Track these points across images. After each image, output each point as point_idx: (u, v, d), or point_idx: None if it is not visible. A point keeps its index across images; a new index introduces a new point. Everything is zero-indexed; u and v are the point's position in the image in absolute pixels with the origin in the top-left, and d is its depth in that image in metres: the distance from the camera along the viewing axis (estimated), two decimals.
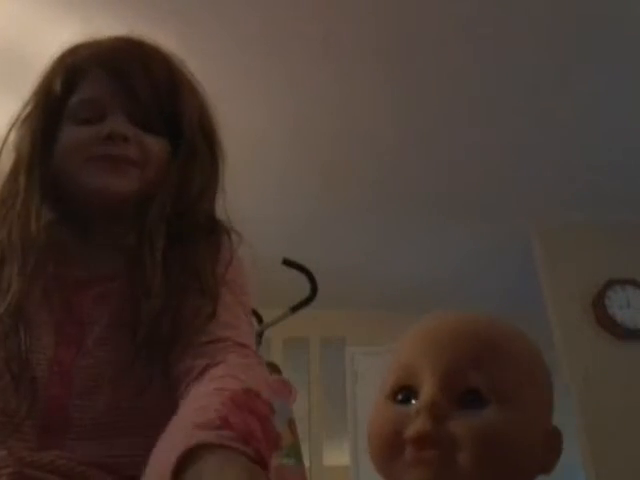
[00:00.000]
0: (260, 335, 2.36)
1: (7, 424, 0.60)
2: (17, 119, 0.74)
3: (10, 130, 0.74)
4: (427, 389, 0.42)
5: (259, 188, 2.84)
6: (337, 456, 4.79)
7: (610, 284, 3.05)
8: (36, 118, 0.73)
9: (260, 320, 2.41)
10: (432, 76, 2.46)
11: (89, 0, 2.11)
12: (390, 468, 0.43)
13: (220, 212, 0.78)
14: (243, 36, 2.26)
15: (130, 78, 0.71)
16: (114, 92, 0.71)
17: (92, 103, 0.71)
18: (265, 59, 2.36)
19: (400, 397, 0.44)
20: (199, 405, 0.52)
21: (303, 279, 2.35)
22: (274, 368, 2.44)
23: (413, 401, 0.43)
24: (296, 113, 2.63)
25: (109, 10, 2.12)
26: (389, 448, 0.43)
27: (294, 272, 2.35)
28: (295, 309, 2.35)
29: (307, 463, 3.28)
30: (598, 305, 3.02)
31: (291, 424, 2.13)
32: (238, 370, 0.59)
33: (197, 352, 0.63)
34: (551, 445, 0.45)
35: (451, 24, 2.22)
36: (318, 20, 2.21)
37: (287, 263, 2.31)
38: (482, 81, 2.48)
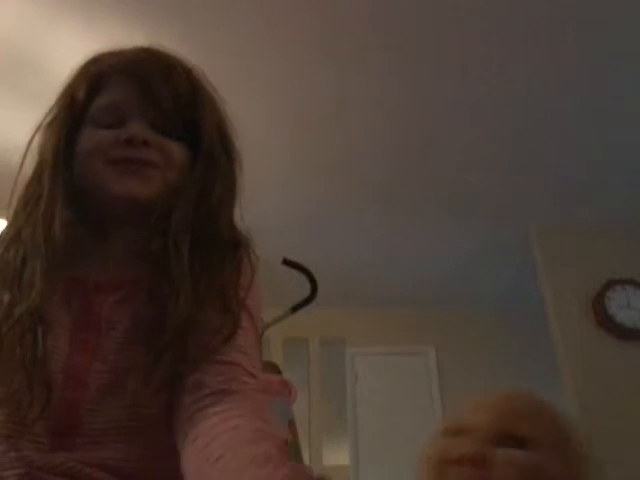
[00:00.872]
0: (260, 335, 2.36)
1: (19, 425, 0.60)
2: (40, 125, 0.75)
3: (34, 136, 0.75)
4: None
5: (259, 188, 2.84)
6: (337, 456, 4.79)
7: (610, 284, 3.05)
8: (59, 124, 0.73)
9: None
10: (434, 76, 2.46)
11: (90, 1, 2.10)
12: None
13: (237, 222, 0.79)
14: (244, 37, 2.26)
15: (151, 85, 0.72)
16: (135, 98, 0.72)
17: (113, 108, 0.72)
18: (266, 59, 2.36)
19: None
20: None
21: (303, 279, 2.36)
22: (274, 368, 2.43)
23: None
24: (297, 113, 2.63)
25: (111, 10, 2.13)
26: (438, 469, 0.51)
27: (294, 272, 2.35)
28: (295, 309, 2.35)
29: (307, 463, 3.28)
30: (598, 305, 3.02)
31: (291, 424, 2.13)
32: (257, 413, 0.61)
33: (210, 369, 0.63)
34: None
35: (452, 23, 2.22)
36: (319, 21, 2.21)
37: (287, 263, 2.31)
38: (482, 81, 2.48)
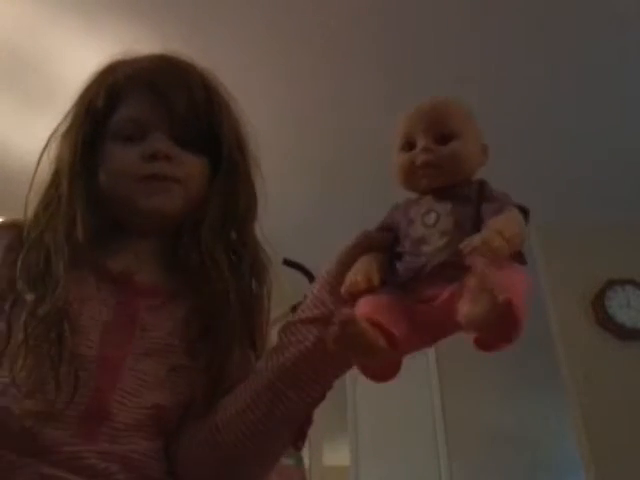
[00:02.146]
0: None
1: (45, 414, 0.61)
2: (55, 132, 0.77)
3: (48, 142, 0.77)
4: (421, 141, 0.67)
5: (259, 188, 2.83)
6: (337, 456, 4.80)
7: (610, 284, 3.05)
8: (77, 131, 0.75)
9: None
10: (433, 75, 2.46)
11: (90, 1, 2.10)
12: (411, 185, 0.70)
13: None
14: (244, 37, 2.26)
15: (170, 98, 0.74)
16: (156, 112, 0.74)
17: (135, 122, 0.74)
18: (265, 60, 2.36)
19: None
20: None
21: (303, 279, 2.35)
22: None
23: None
24: (296, 113, 2.63)
25: (110, 11, 2.13)
26: (407, 173, 0.69)
27: (294, 272, 2.35)
28: (295, 309, 2.35)
29: (307, 463, 3.28)
30: (598, 305, 3.02)
31: None
32: None
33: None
34: (485, 155, 0.70)
35: (452, 22, 2.22)
36: (319, 21, 2.21)
37: (287, 263, 2.31)
38: (481, 80, 2.48)
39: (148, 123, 0.74)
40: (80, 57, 2.26)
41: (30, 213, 0.73)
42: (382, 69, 2.42)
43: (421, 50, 2.34)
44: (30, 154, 2.73)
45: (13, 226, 0.73)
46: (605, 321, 2.98)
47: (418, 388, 3.96)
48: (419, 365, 4.07)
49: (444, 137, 0.66)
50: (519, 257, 0.57)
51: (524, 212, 0.61)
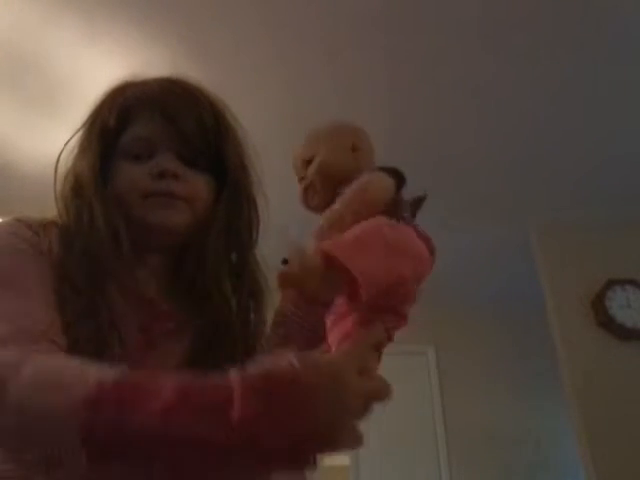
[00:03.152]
0: None
1: None
2: (67, 144, 0.79)
3: (60, 154, 0.79)
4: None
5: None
6: (337, 456, 4.78)
7: (610, 284, 3.05)
8: (93, 150, 0.78)
9: None
10: (432, 76, 2.46)
11: (90, 1, 2.10)
12: (311, 207, 0.88)
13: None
14: (243, 38, 2.26)
15: (178, 120, 0.77)
16: (163, 131, 0.77)
17: (144, 141, 0.77)
18: (265, 61, 2.36)
19: None
20: None
21: None
22: None
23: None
24: (296, 115, 2.63)
25: (109, 11, 2.13)
26: (304, 201, 0.89)
27: None
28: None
29: None
30: (598, 305, 3.02)
31: None
32: None
33: None
34: (356, 151, 0.90)
35: (453, 25, 2.22)
36: (319, 22, 2.21)
37: (287, 263, 2.32)
38: (483, 82, 2.48)
39: (156, 142, 0.76)
40: (80, 57, 2.26)
41: (62, 217, 0.75)
42: (385, 71, 2.42)
43: (423, 52, 2.34)
44: (29, 154, 2.72)
45: (52, 224, 0.74)
46: (605, 321, 2.99)
47: (418, 388, 3.96)
48: (419, 365, 4.07)
49: (310, 163, 0.84)
50: (389, 208, 0.74)
51: (395, 174, 0.81)
